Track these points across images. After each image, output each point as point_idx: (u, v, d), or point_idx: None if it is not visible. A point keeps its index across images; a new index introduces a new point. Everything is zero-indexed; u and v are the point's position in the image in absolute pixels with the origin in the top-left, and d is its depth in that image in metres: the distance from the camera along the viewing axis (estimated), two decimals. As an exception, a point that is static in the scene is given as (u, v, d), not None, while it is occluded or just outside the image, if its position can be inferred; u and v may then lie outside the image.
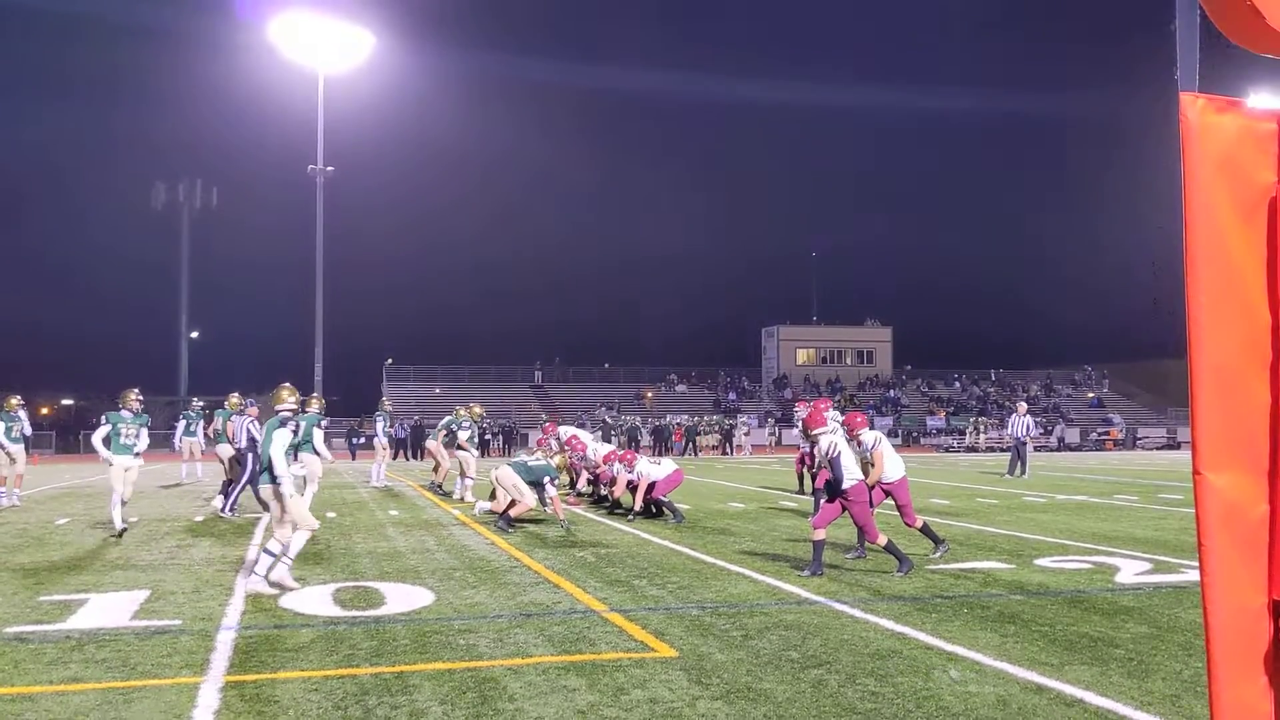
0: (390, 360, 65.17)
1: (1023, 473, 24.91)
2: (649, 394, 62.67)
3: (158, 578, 9.60)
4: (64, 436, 52.97)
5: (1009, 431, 27.70)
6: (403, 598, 8.45)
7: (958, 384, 70.49)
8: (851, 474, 9.50)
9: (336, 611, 7.91)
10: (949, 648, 6.55)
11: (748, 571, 9.75)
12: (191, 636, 7.05)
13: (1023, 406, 27.67)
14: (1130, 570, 9.69)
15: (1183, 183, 2.24)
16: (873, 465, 10.09)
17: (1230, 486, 2.24)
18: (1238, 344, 2.28)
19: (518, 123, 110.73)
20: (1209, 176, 2.26)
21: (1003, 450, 38.94)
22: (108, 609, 8.05)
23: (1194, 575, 9.36)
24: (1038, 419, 46.48)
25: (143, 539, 12.59)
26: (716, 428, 48.77)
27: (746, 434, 48.12)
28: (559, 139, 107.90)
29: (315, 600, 8.36)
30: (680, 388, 65.77)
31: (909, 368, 73.86)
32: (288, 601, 8.31)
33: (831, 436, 9.67)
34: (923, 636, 6.88)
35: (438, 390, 62.33)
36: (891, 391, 67.76)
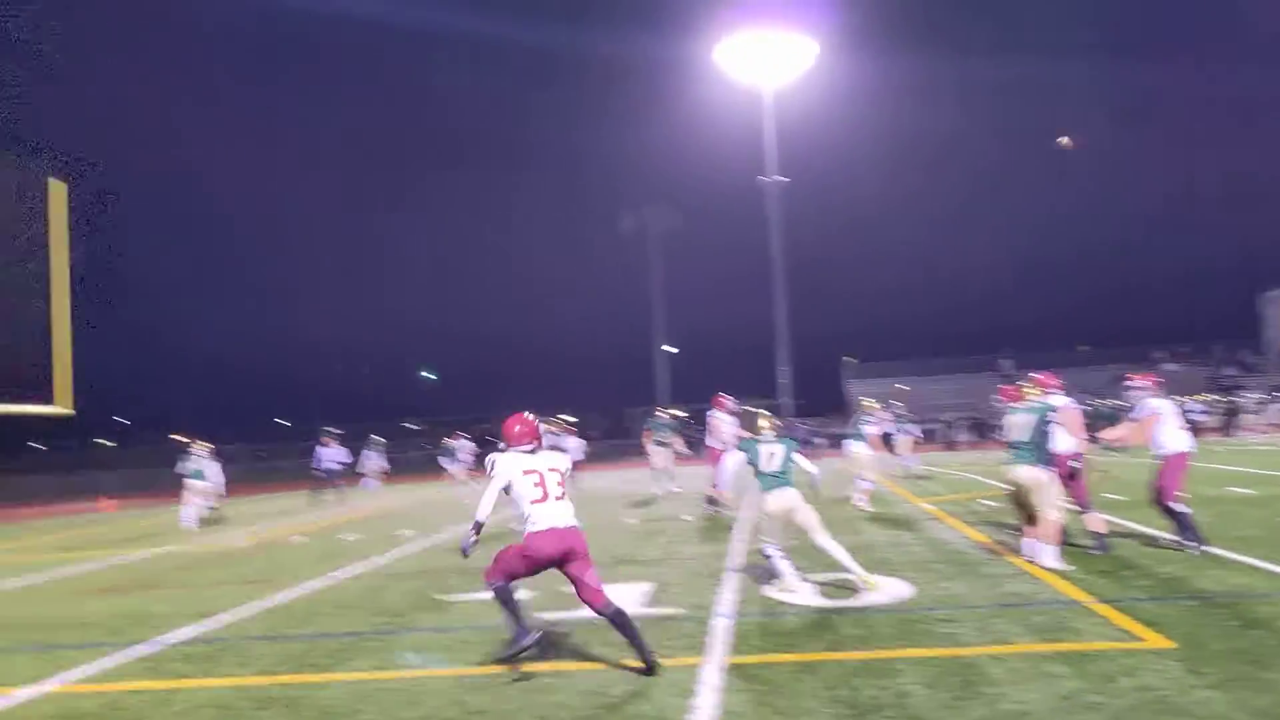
0: (848, 358, 65.96)
1: None
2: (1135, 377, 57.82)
3: (658, 571, 10.61)
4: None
5: None
6: (883, 589, 8.69)
7: None
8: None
9: (820, 601, 8.33)
10: None
11: (1248, 559, 8.94)
12: (692, 623, 7.79)
13: None
14: None
15: None
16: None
17: None
18: None
19: (968, 118, 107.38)
20: None
21: None
22: (620, 599, 9.03)
23: None
24: None
25: (642, 536, 13.91)
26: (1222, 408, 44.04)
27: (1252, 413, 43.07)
28: (1002, 132, 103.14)
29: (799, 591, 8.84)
30: (1170, 366, 60.13)
31: None
32: (772, 592, 8.86)
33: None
34: None
35: (898, 385, 62.08)
36: None
